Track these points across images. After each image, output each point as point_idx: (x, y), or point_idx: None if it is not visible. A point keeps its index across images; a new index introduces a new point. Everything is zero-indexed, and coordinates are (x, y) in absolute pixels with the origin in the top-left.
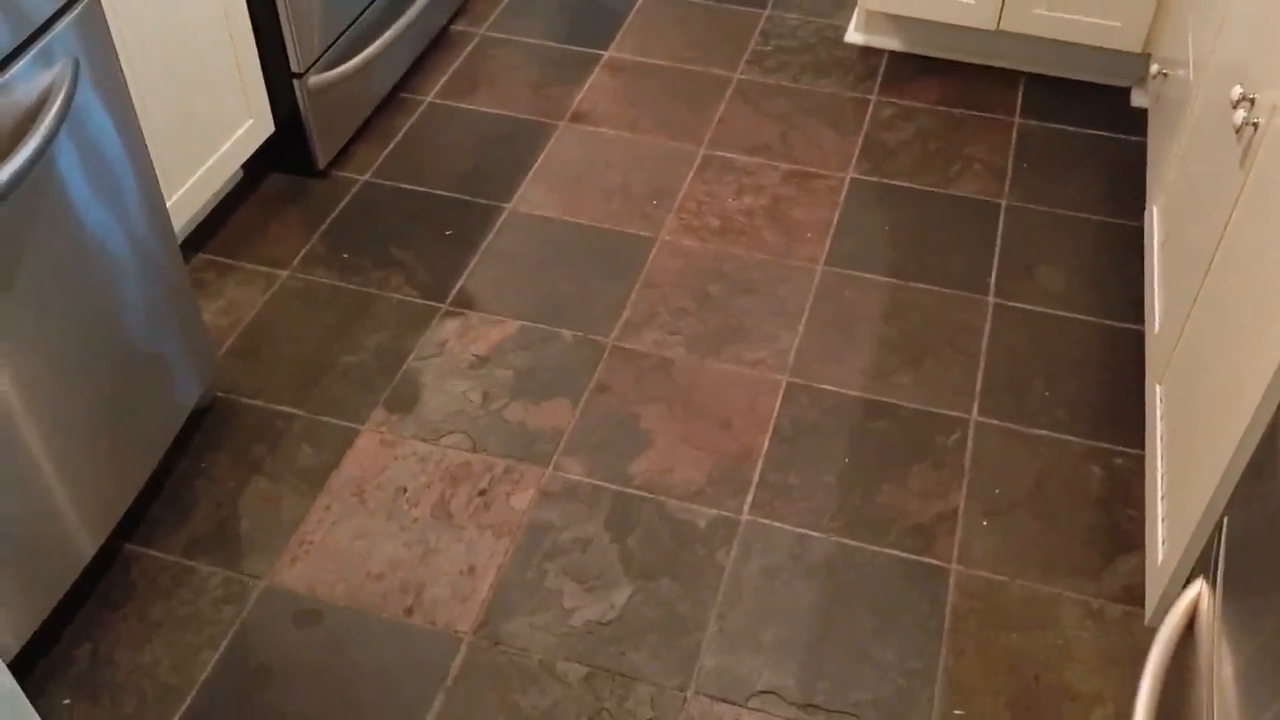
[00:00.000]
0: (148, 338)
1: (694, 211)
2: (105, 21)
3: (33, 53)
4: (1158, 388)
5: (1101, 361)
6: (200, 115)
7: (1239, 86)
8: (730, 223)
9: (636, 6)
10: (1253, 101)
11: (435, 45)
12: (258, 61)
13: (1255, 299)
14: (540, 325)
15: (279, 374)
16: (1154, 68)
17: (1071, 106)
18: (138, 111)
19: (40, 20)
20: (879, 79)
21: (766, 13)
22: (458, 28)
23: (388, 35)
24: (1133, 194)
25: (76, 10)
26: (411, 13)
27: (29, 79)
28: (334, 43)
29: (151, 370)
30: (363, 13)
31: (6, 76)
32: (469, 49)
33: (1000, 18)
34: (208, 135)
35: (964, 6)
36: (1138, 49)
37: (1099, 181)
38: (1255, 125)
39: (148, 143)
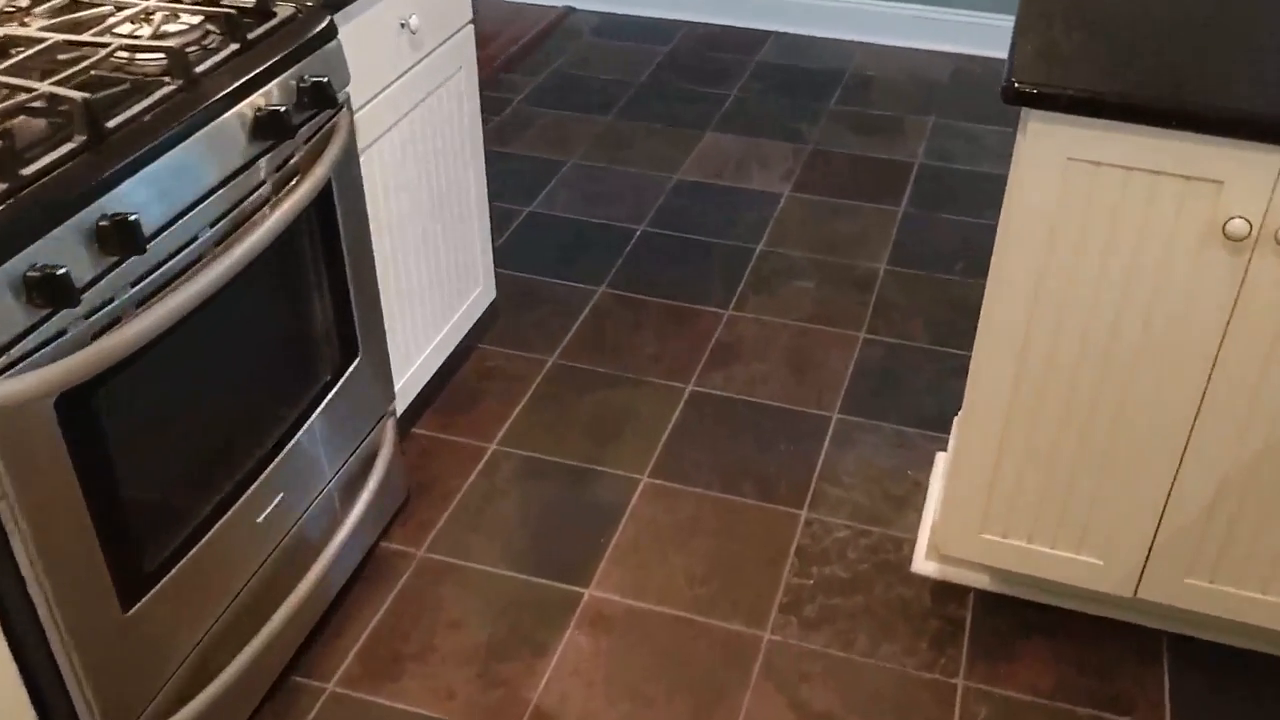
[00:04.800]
0: None
1: None
2: None
3: None
4: None
5: None
6: None
7: None
8: None
9: (627, 512)
10: None
11: (357, 577)
12: None
13: None
14: None
15: None
16: None
17: (1243, 691)
18: None
19: None
20: (965, 643)
21: (804, 515)
22: (391, 545)
23: (246, 657)
24: None
25: None
26: (307, 583)
27: None
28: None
29: None
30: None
31: None
32: (400, 585)
33: (1139, 584)
34: None
35: (1087, 567)
36: None
37: None
38: None
39: None
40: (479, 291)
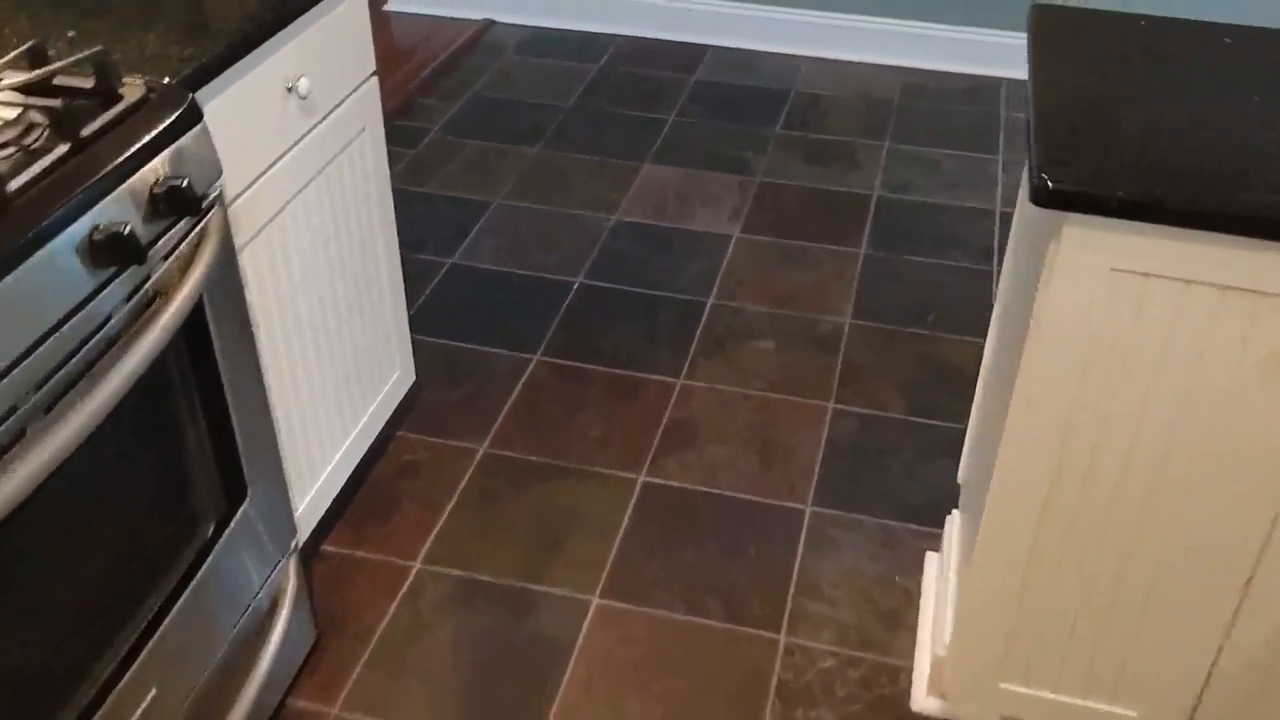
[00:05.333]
0: None
1: None
2: None
3: None
4: None
5: None
6: None
7: None
8: None
9: (577, 647)
10: None
11: None
12: None
13: None
14: None
15: None
16: None
17: None
18: None
19: None
20: None
21: (782, 640)
22: (299, 703)
23: None
24: None
25: None
26: None
27: None
28: None
29: None
30: None
31: None
32: None
33: None
34: None
35: None
36: None
37: None
38: None
39: None
40: (396, 377)
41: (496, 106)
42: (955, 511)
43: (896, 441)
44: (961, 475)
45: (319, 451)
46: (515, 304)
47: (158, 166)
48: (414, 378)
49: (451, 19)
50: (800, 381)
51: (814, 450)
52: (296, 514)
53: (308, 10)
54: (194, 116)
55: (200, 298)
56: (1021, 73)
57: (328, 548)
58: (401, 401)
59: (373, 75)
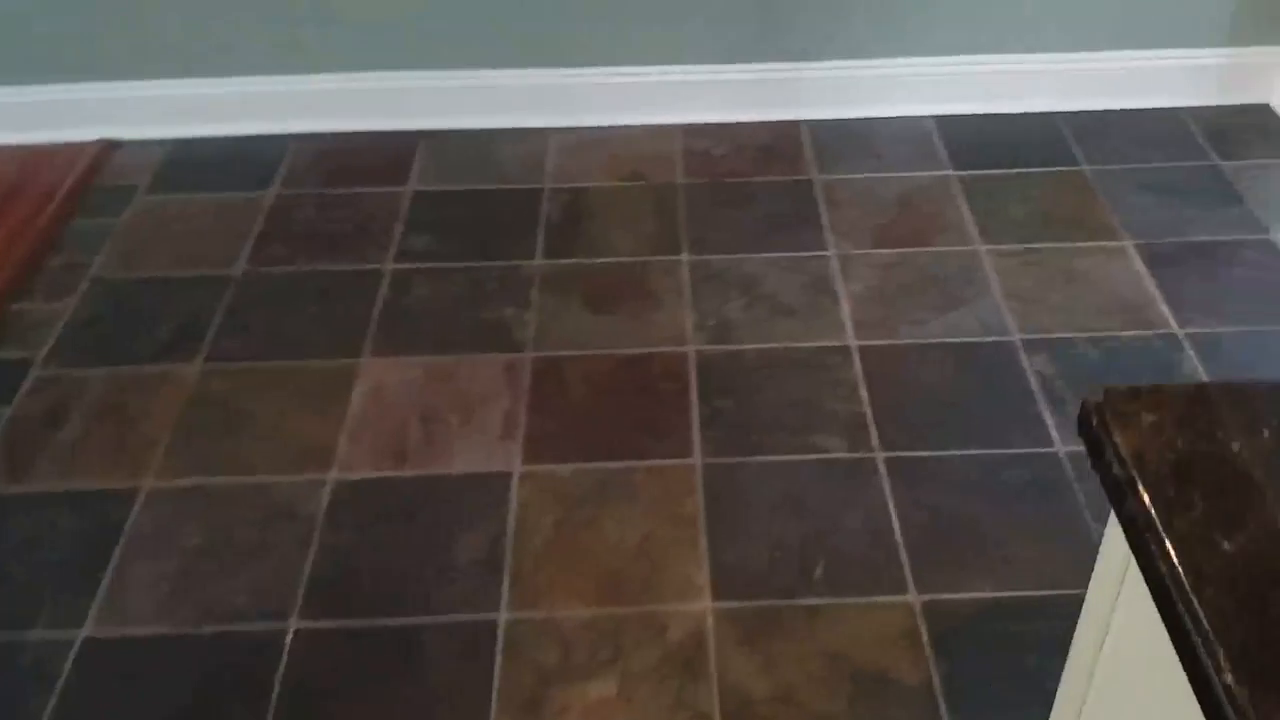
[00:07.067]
0: None
1: None
2: None
3: None
4: None
5: None
6: None
7: None
8: None
9: None
10: None
11: None
12: None
13: None
14: None
15: None
16: None
17: None
18: None
19: None
20: None
21: None
22: None
23: None
24: None
25: None
26: None
27: None
28: None
29: None
30: None
31: None
32: None
33: None
34: None
35: None
36: None
37: None
38: None
39: None
40: None
41: (129, 296)
42: None
43: None
44: None
45: None
46: (192, 708)
47: None
48: None
49: (55, 145)
50: None
51: None
52: None
53: None
54: None
55: None
56: (827, 110)
57: None
58: None
59: None
